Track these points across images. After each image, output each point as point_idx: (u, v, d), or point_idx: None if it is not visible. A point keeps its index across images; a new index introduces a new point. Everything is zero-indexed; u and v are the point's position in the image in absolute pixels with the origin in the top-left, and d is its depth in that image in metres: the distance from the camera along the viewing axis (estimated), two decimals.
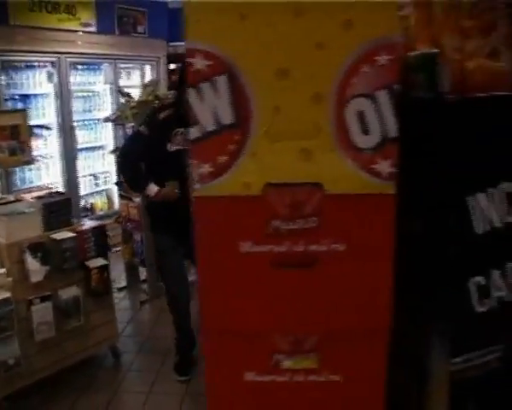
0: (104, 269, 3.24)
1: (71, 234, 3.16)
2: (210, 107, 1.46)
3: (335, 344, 1.55)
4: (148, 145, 2.91)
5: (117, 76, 6.24)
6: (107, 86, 6.20)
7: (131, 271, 4.83)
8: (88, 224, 3.39)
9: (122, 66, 6.45)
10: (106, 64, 6.14)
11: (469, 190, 1.42)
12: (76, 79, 5.79)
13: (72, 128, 5.66)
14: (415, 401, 1.67)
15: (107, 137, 6.15)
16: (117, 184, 4.78)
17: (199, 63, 1.44)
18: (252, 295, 1.55)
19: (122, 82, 6.35)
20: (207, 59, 1.44)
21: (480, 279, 1.45)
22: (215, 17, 1.43)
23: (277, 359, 1.58)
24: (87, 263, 3.19)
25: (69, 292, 3.15)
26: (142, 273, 4.65)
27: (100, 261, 3.24)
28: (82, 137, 5.90)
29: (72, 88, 5.70)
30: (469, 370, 1.50)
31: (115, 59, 6.15)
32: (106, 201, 6.32)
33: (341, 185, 1.46)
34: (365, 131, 1.44)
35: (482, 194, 1.41)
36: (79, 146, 5.86)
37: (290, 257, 1.51)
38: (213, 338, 1.59)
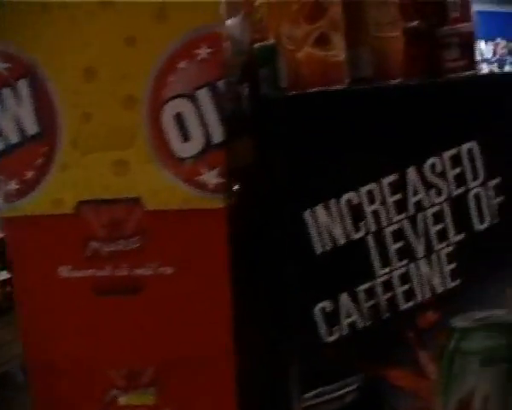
0: (7, 283, 3.04)
1: None
2: (13, 116, 1.27)
3: (175, 376, 1.38)
4: None
5: None
6: None
7: None
8: None
9: None
10: None
11: (307, 202, 1.23)
12: None
13: None
14: None
15: None
16: None
17: None
18: (77, 326, 1.37)
19: None
20: (6, 61, 1.25)
21: (326, 305, 1.27)
22: (12, 12, 1.24)
23: (113, 395, 1.41)
24: None
25: None
26: None
27: (2, 275, 3.06)
28: None
29: None
30: (324, 405, 1.32)
31: None
32: None
33: (162, 201, 1.28)
34: (186, 138, 1.26)
35: (321, 207, 1.22)
36: None
37: (114, 282, 1.33)
38: (41, 374, 1.42)
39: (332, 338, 1.29)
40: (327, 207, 1.23)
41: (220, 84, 1.25)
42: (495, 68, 9.39)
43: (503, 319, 1.39)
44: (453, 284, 1.34)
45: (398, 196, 1.26)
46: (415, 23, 1.34)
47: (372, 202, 1.25)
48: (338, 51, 1.20)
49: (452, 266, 1.33)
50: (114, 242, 1.31)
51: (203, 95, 1.24)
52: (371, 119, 1.24)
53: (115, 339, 1.37)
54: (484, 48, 9.26)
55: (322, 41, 1.19)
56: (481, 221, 1.33)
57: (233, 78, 1.40)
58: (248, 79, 1.39)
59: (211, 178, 1.26)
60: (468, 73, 1.33)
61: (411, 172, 1.26)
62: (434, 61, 1.33)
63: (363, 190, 1.24)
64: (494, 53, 9.34)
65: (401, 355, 1.34)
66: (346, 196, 1.23)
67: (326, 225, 1.24)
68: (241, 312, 1.33)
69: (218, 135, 1.25)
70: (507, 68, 9.47)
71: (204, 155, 1.26)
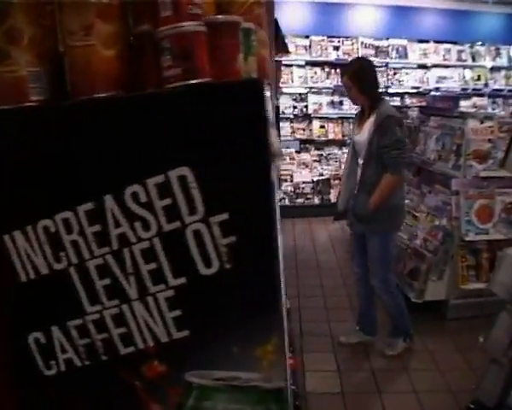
0: None
1: None
2: None
3: None
4: None
5: None
6: None
7: None
8: None
9: None
10: None
11: (5, 226, 1.13)
12: None
13: None
14: None
15: None
16: None
17: None
18: None
19: None
20: None
21: (39, 336, 1.17)
22: None
23: None
24: None
25: None
26: None
27: None
28: None
29: None
30: None
31: None
32: None
33: None
34: None
35: (19, 232, 1.13)
36: None
37: None
38: None
39: (50, 373, 1.19)
40: (24, 233, 1.12)
41: None
42: None
43: (255, 383, 1.13)
44: (180, 335, 1.12)
45: (97, 227, 1.09)
46: (142, 28, 1.09)
47: (70, 231, 1.10)
48: (17, 66, 1.05)
49: (176, 313, 1.11)
50: None
51: None
52: (56, 139, 1.08)
53: None
54: None
55: None
56: (207, 265, 1.08)
57: None
58: None
59: None
60: (182, 83, 1.05)
61: (109, 201, 1.07)
62: (155, 71, 1.08)
63: (59, 217, 1.10)
64: None
65: (130, 405, 1.18)
66: (42, 223, 1.11)
67: (26, 251, 1.13)
68: None
69: None
70: None
71: None
